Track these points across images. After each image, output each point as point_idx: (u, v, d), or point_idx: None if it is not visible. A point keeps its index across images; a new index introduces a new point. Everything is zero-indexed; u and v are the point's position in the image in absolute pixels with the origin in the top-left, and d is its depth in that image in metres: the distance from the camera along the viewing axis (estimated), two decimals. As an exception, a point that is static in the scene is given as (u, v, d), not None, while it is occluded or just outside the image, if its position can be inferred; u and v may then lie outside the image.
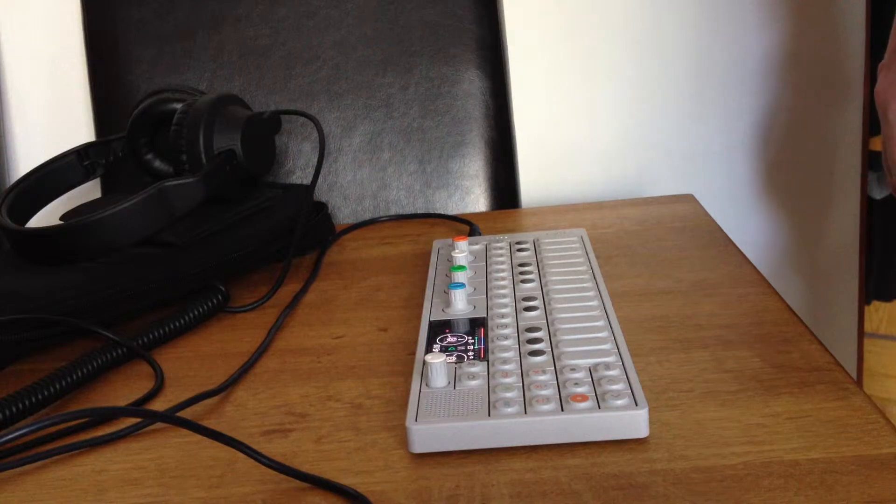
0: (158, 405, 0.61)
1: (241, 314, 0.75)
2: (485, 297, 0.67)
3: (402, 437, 0.52)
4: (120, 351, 0.66)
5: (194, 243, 0.78)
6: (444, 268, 0.74)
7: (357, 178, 1.06)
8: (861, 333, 1.25)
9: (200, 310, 0.72)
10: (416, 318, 0.67)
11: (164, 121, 0.86)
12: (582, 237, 0.78)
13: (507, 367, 0.55)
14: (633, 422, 0.50)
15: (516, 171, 1.09)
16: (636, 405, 0.50)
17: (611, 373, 0.53)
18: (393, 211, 1.06)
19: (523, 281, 0.69)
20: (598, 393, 0.51)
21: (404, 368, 0.61)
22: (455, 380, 0.54)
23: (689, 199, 0.93)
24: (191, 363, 0.67)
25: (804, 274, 1.24)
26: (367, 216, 1.04)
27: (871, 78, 1.16)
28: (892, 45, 0.73)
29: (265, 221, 0.84)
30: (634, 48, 1.16)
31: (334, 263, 0.85)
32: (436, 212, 1.05)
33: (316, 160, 0.89)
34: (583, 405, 0.50)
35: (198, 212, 0.79)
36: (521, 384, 0.53)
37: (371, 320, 0.71)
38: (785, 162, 1.20)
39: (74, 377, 0.62)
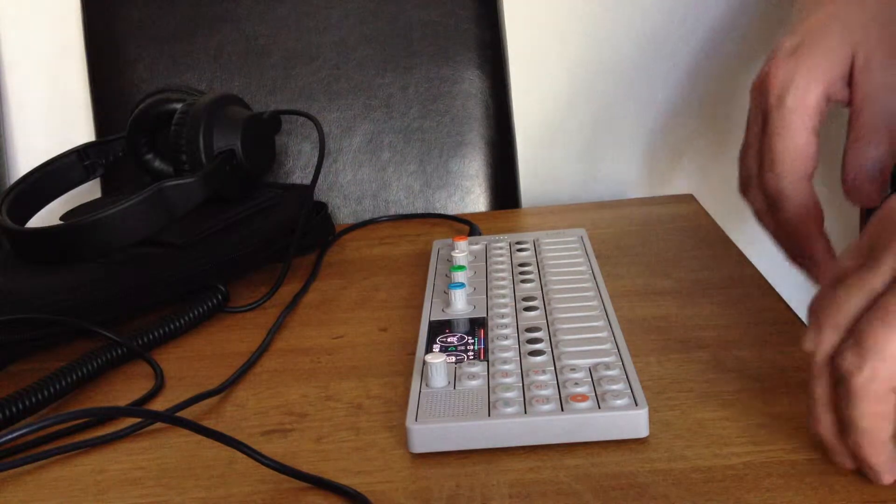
0: (158, 405, 0.61)
1: (241, 314, 0.75)
2: (485, 297, 0.66)
3: (402, 437, 0.52)
4: (120, 351, 0.66)
5: (194, 243, 0.78)
6: (444, 268, 0.74)
7: (357, 178, 1.06)
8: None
9: (200, 310, 0.72)
10: (416, 318, 0.67)
11: (164, 121, 0.86)
12: (582, 237, 0.78)
13: (507, 367, 0.55)
14: (633, 422, 0.50)
15: (516, 171, 1.09)
16: (636, 405, 0.50)
17: (611, 373, 0.53)
18: (393, 211, 1.06)
19: (523, 281, 0.69)
20: (598, 393, 0.51)
21: (404, 368, 0.61)
22: (455, 380, 0.54)
23: (689, 199, 0.93)
24: (191, 363, 0.67)
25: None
26: (367, 216, 1.04)
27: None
28: (797, 38, 0.61)
29: (265, 221, 0.84)
30: (634, 48, 1.16)
31: (334, 263, 0.85)
32: (436, 212, 1.05)
33: (316, 160, 0.89)
34: (583, 405, 0.50)
35: (198, 212, 0.79)
36: (521, 384, 0.53)
37: (371, 320, 0.71)
38: (785, 162, 1.20)
39: (74, 377, 0.62)
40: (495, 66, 1.06)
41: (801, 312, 0.58)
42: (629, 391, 0.51)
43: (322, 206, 0.91)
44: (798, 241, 0.58)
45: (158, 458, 0.54)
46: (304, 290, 0.78)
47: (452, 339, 0.60)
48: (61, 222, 0.80)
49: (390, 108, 1.06)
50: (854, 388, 0.41)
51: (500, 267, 0.72)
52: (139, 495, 0.50)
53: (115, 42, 1.08)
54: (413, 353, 0.60)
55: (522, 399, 0.51)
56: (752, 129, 0.61)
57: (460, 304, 0.65)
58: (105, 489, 0.51)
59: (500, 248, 0.77)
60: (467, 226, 0.89)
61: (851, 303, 0.43)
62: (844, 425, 0.43)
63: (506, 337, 0.59)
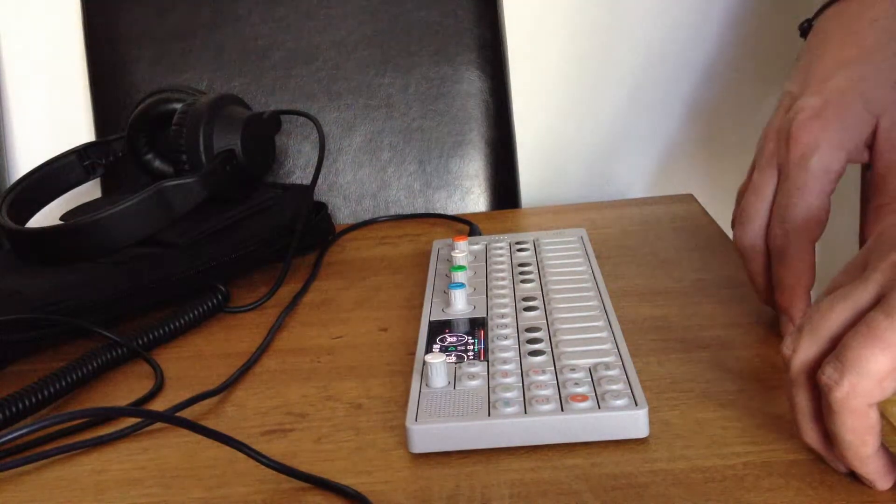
0: (158, 405, 0.61)
1: (241, 314, 0.75)
2: (485, 297, 0.66)
3: (402, 437, 0.52)
4: (120, 351, 0.66)
5: (194, 243, 0.78)
6: (444, 268, 0.74)
7: (357, 178, 1.06)
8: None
9: (200, 310, 0.72)
10: (416, 318, 0.67)
11: (164, 121, 0.86)
12: (582, 237, 0.77)
13: (506, 367, 0.55)
14: (633, 422, 0.50)
15: (516, 171, 1.09)
16: (636, 405, 0.50)
17: (610, 373, 0.53)
18: (393, 211, 1.06)
19: (523, 281, 0.69)
20: (597, 393, 0.51)
21: (404, 368, 0.61)
22: (455, 380, 0.54)
23: (689, 199, 0.93)
24: (191, 363, 0.67)
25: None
26: (367, 216, 1.04)
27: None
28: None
29: (265, 221, 0.84)
30: (635, 48, 1.16)
31: (334, 263, 0.85)
32: (436, 212, 1.05)
33: (316, 160, 0.89)
34: (583, 405, 0.50)
35: (198, 212, 0.79)
36: (520, 384, 0.53)
37: (371, 320, 0.71)
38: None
39: (74, 377, 0.62)
40: (495, 66, 1.06)
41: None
42: (629, 391, 0.51)
43: (322, 207, 0.91)
44: (781, 296, 0.59)
45: (158, 458, 0.54)
46: (304, 290, 0.78)
47: (452, 339, 0.60)
48: (61, 222, 0.80)
49: (390, 107, 1.06)
50: (833, 403, 0.42)
51: (500, 267, 0.72)
52: (139, 495, 0.50)
53: (115, 42, 1.08)
54: (413, 353, 0.60)
55: (522, 399, 0.51)
56: (763, 174, 0.60)
57: (460, 305, 0.65)
58: (105, 489, 0.51)
59: (500, 248, 0.77)
60: (467, 226, 0.89)
61: (835, 316, 0.43)
62: (830, 437, 0.43)
63: (506, 337, 0.59)
